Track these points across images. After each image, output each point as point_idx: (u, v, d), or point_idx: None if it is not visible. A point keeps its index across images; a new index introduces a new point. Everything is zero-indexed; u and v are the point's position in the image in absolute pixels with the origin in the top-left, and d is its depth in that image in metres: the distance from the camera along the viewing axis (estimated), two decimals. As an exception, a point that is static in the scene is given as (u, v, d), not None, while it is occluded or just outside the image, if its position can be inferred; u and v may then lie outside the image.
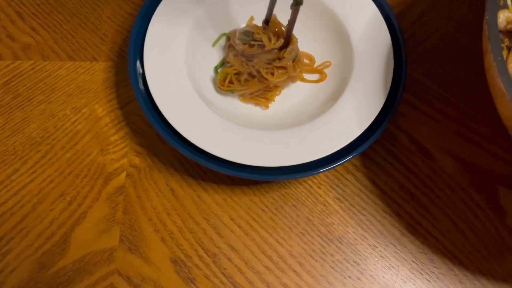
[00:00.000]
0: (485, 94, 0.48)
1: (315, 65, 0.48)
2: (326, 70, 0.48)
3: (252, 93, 0.46)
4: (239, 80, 0.46)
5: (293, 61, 0.45)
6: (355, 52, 0.45)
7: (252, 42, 0.44)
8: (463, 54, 0.51)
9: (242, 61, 0.45)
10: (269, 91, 0.46)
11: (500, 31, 0.37)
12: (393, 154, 0.46)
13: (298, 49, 0.46)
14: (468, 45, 0.51)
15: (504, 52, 0.37)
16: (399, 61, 0.45)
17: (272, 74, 0.45)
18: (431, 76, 0.50)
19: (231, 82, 0.46)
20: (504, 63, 0.32)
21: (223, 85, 0.46)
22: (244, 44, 0.44)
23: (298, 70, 0.46)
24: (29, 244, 0.42)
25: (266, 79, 0.45)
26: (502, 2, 0.38)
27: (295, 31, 0.44)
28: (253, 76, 0.46)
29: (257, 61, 0.45)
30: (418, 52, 0.51)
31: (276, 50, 0.44)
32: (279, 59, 0.44)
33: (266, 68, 0.45)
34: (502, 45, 0.37)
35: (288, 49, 0.44)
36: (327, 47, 0.48)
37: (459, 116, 0.48)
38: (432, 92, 0.49)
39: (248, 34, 0.44)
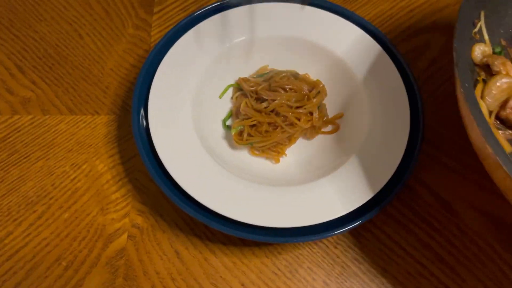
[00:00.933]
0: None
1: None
2: (338, 121, 0.46)
3: (263, 146, 0.44)
4: (259, 132, 0.43)
5: (318, 108, 0.44)
6: (368, 103, 0.43)
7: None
8: (479, 101, 0.49)
9: (261, 111, 0.44)
10: (282, 144, 0.44)
11: (476, 65, 0.38)
12: (414, 210, 0.43)
13: (324, 97, 0.45)
14: (484, 92, 0.49)
15: (480, 85, 0.38)
16: (415, 111, 0.43)
17: (299, 119, 0.43)
18: (448, 124, 0.47)
19: (249, 134, 0.44)
20: (472, 90, 0.31)
21: (241, 139, 0.44)
22: (265, 82, 0.44)
23: (321, 121, 0.44)
24: (20, 316, 0.39)
25: (291, 125, 0.43)
26: (478, 36, 0.38)
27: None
28: (275, 127, 0.44)
29: (278, 102, 0.43)
30: (433, 101, 0.49)
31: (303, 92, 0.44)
32: (307, 99, 0.44)
33: (292, 112, 0.43)
34: (478, 78, 0.38)
35: (314, 90, 0.44)
36: (339, 98, 0.46)
37: (481, 167, 0.45)
38: (450, 142, 0.47)
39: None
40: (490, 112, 0.37)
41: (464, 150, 0.46)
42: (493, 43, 0.39)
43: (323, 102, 0.46)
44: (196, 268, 0.41)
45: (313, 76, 0.47)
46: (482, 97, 0.37)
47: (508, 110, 0.36)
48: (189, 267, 0.41)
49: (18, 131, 0.47)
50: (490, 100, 0.37)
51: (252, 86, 0.45)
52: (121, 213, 0.43)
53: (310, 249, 0.41)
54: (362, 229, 0.42)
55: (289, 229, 0.38)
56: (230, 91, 0.48)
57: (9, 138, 0.46)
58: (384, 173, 0.40)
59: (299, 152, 0.45)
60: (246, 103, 0.45)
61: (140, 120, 0.43)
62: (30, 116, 0.48)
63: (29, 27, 0.53)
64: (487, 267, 0.41)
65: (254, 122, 0.44)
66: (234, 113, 0.46)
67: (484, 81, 0.38)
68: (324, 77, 0.46)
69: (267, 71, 0.47)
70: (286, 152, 0.45)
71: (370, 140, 0.42)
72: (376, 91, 0.44)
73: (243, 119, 0.44)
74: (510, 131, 0.37)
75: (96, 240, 0.42)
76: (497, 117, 0.37)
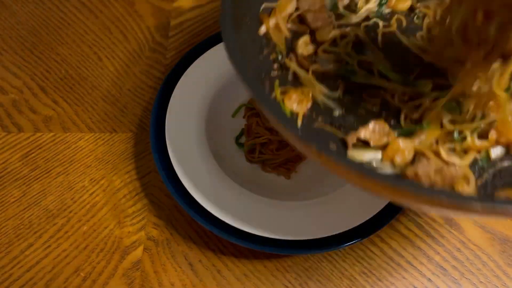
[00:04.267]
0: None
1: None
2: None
3: (274, 163, 0.46)
4: (270, 150, 0.46)
5: None
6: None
7: None
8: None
9: (272, 129, 0.46)
10: (292, 161, 0.46)
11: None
12: (419, 225, 0.45)
13: None
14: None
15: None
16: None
17: None
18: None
19: (261, 152, 0.46)
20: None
21: (253, 157, 0.46)
22: None
23: None
24: (40, 325, 0.40)
25: None
26: None
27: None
28: (285, 145, 0.46)
29: None
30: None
31: None
32: None
33: None
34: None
35: None
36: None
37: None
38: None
39: None
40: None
41: (466, 168, 0.48)
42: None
43: None
44: (210, 280, 0.42)
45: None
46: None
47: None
48: (202, 279, 0.42)
49: (40, 148, 0.49)
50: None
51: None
52: (137, 226, 0.45)
53: (319, 263, 0.43)
54: (368, 243, 0.44)
55: (298, 241, 0.40)
56: (242, 110, 0.50)
57: (31, 154, 0.49)
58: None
59: (308, 168, 0.47)
60: (257, 122, 0.47)
61: (158, 136, 0.45)
62: (51, 134, 0.50)
63: (51, 49, 0.56)
64: (491, 281, 0.42)
65: (265, 140, 0.46)
66: (246, 131, 0.48)
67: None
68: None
69: None
70: (296, 169, 0.47)
71: (376, 157, 0.44)
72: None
73: (254, 138, 0.46)
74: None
75: (113, 252, 0.43)
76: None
